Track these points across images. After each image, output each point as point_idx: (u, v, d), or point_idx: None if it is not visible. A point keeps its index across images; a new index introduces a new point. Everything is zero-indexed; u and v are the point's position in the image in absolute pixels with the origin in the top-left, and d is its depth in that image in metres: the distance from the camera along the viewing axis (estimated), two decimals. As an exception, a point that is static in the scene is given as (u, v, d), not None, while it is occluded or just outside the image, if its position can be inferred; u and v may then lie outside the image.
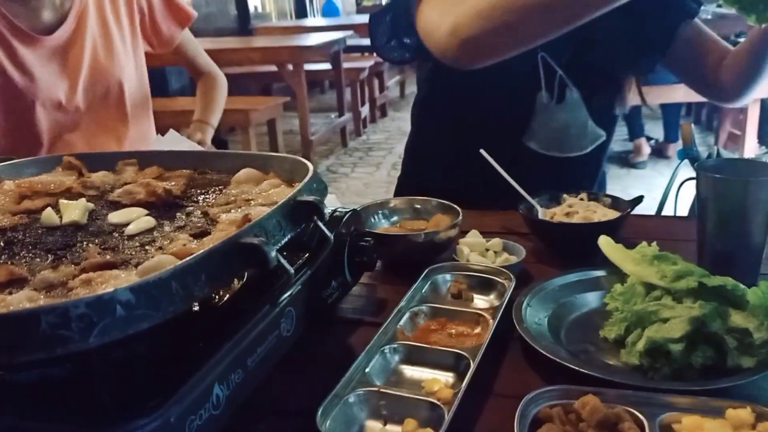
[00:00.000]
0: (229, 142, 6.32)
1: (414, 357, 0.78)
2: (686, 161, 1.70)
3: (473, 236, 1.08)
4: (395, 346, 0.79)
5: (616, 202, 1.13)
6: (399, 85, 8.35)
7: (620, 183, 4.53)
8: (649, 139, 5.15)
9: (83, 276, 0.62)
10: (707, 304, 0.74)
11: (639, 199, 1.10)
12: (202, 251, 0.57)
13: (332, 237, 0.76)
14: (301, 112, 5.34)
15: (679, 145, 4.91)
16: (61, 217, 0.81)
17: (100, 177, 0.95)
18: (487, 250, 1.05)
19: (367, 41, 8.08)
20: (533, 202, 1.14)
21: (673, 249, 0.87)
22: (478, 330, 0.83)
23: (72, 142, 1.55)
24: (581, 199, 1.15)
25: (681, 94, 3.79)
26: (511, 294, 0.88)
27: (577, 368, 0.72)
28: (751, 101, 3.95)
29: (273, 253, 0.61)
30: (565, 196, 1.16)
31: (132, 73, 1.63)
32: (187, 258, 0.56)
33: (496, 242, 1.06)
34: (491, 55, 1.04)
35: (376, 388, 0.71)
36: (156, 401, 0.56)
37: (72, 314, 0.48)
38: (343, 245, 0.89)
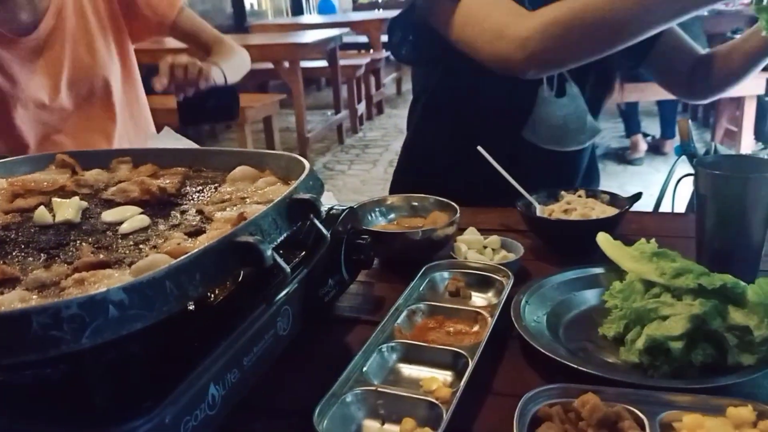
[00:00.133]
0: (224, 139, 6.32)
1: (412, 356, 0.77)
2: (684, 158, 1.70)
3: (471, 234, 1.07)
4: (393, 344, 0.78)
5: (614, 199, 1.12)
6: (395, 83, 8.34)
7: (617, 180, 4.53)
8: (645, 135, 5.15)
9: (76, 275, 0.62)
10: (707, 302, 0.73)
11: (637, 196, 1.09)
12: (196, 250, 0.57)
13: (329, 235, 0.76)
14: (298, 110, 5.33)
15: (675, 141, 4.91)
16: (54, 216, 0.80)
17: (93, 175, 0.94)
18: (485, 247, 1.05)
19: (363, 38, 8.09)
20: (531, 199, 1.13)
21: (671, 246, 0.86)
22: (476, 328, 0.83)
23: (60, 143, 1.54)
24: (579, 196, 1.14)
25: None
26: (510, 292, 0.87)
27: (576, 366, 0.72)
28: (747, 98, 3.96)
29: (269, 252, 0.60)
30: (563, 192, 1.16)
31: (118, 70, 1.61)
32: (182, 257, 0.55)
33: (494, 239, 1.05)
34: (556, 68, 1.14)
35: (373, 387, 0.70)
36: (151, 402, 0.55)
37: (64, 315, 0.47)
38: (339, 243, 0.88)
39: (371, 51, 7.44)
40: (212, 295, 0.70)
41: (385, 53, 7.07)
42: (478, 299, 0.91)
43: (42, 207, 0.82)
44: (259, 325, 0.71)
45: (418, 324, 0.85)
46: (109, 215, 0.80)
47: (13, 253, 0.71)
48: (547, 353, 0.75)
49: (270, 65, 5.41)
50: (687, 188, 1.58)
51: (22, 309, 0.50)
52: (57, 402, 0.56)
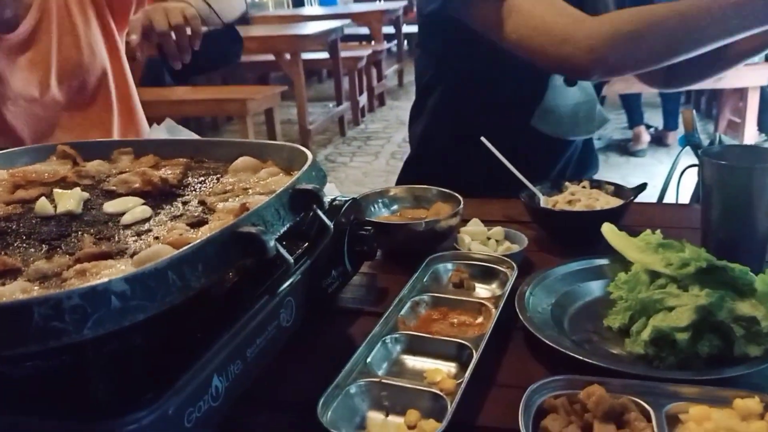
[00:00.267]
0: (226, 131, 6.31)
1: (416, 347, 0.77)
2: (687, 149, 1.69)
3: (474, 225, 1.07)
4: (397, 336, 0.77)
5: (618, 190, 1.11)
6: (397, 74, 8.31)
7: (619, 171, 4.51)
8: (648, 127, 5.14)
9: (78, 266, 0.61)
10: (714, 293, 0.73)
11: (642, 187, 1.08)
12: (199, 241, 0.56)
13: (332, 226, 0.75)
14: (299, 102, 5.32)
15: (678, 133, 4.90)
16: (55, 207, 0.80)
17: (95, 166, 0.94)
18: (489, 238, 1.04)
19: (364, 30, 8.05)
20: (535, 190, 1.12)
21: (676, 237, 0.86)
22: (480, 319, 0.82)
23: (57, 138, 1.52)
24: (583, 187, 1.14)
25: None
26: (514, 283, 0.87)
27: (581, 358, 0.71)
28: (750, 89, 3.94)
29: (272, 243, 0.60)
30: (567, 183, 1.15)
31: (106, 62, 1.58)
32: (184, 248, 0.55)
33: (498, 231, 1.05)
34: (621, 72, 1.18)
35: (377, 379, 0.70)
36: (154, 393, 0.55)
37: (65, 305, 0.47)
38: (342, 234, 0.88)
39: (372, 42, 7.42)
40: (215, 286, 0.70)
41: (386, 45, 7.04)
42: (482, 290, 0.91)
43: (43, 198, 0.81)
44: (263, 317, 0.70)
45: (421, 315, 0.84)
46: (110, 206, 0.80)
47: (15, 244, 0.71)
48: (551, 344, 0.74)
49: (271, 57, 5.39)
50: (691, 179, 1.57)
51: (23, 300, 0.50)
52: (59, 394, 0.56)
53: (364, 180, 4.87)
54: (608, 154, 4.93)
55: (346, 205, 0.88)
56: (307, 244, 0.79)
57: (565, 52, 1.06)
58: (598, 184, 1.14)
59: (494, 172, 1.12)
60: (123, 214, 0.77)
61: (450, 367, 0.74)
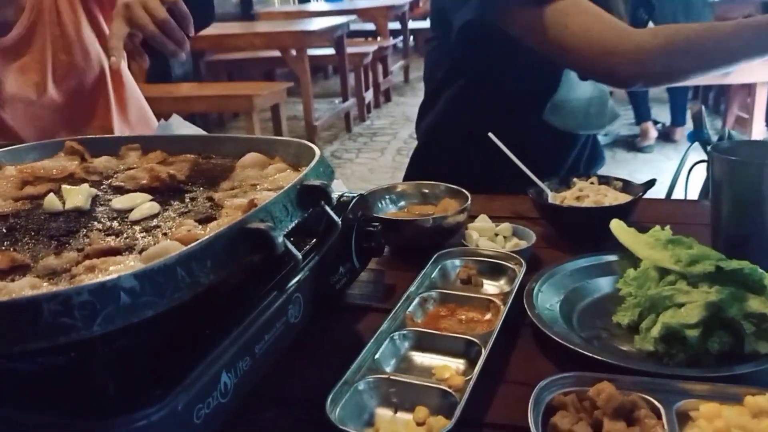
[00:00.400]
0: (232, 127, 6.31)
1: (424, 343, 0.77)
2: (696, 144, 1.68)
3: (482, 221, 1.06)
4: (405, 332, 0.77)
5: (627, 186, 1.11)
6: (403, 70, 8.30)
7: (627, 167, 4.50)
8: (655, 123, 5.12)
9: (87, 262, 0.61)
10: (724, 289, 0.72)
11: (651, 183, 1.08)
12: (207, 237, 0.56)
13: (340, 222, 0.75)
14: (305, 98, 5.32)
15: (685, 129, 4.88)
16: (63, 203, 0.80)
17: (102, 162, 0.94)
18: (497, 234, 1.04)
19: (370, 26, 8.04)
20: (543, 186, 1.12)
21: (685, 233, 0.85)
22: (488, 316, 0.82)
23: (58, 138, 1.52)
24: (592, 183, 1.13)
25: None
26: (522, 279, 0.86)
27: (591, 355, 0.71)
28: (759, 84, 3.92)
29: (280, 239, 0.60)
30: (575, 179, 1.14)
31: (105, 62, 1.57)
32: (193, 244, 0.55)
33: (506, 227, 1.04)
34: (663, 83, 1.25)
35: (386, 376, 0.69)
36: (163, 390, 0.55)
37: (75, 302, 0.46)
38: (350, 230, 0.87)
39: (378, 38, 7.41)
40: (223, 282, 0.70)
41: (392, 41, 7.03)
42: (490, 287, 0.91)
43: (52, 194, 0.81)
44: (271, 313, 0.70)
45: (429, 312, 0.84)
46: (118, 202, 0.80)
47: (24, 240, 0.71)
48: (560, 341, 0.74)
49: (277, 53, 5.40)
50: (699, 175, 1.56)
51: (32, 296, 0.50)
52: (67, 390, 0.56)
53: (370, 176, 4.86)
54: (615, 150, 4.92)
55: (354, 201, 0.88)
56: (315, 240, 0.79)
57: (610, 62, 1.10)
58: (606, 180, 1.13)
59: (503, 168, 1.12)
60: (131, 210, 0.77)
61: (458, 364, 0.74)
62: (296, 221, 0.67)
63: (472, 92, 1.33)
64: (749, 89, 4.07)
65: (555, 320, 0.80)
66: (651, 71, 1.10)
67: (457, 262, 0.94)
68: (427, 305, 0.85)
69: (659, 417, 0.61)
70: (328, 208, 0.72)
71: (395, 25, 8.55)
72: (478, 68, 1.30)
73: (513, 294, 0.83)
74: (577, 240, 1.03)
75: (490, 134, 1.14)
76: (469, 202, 1.05)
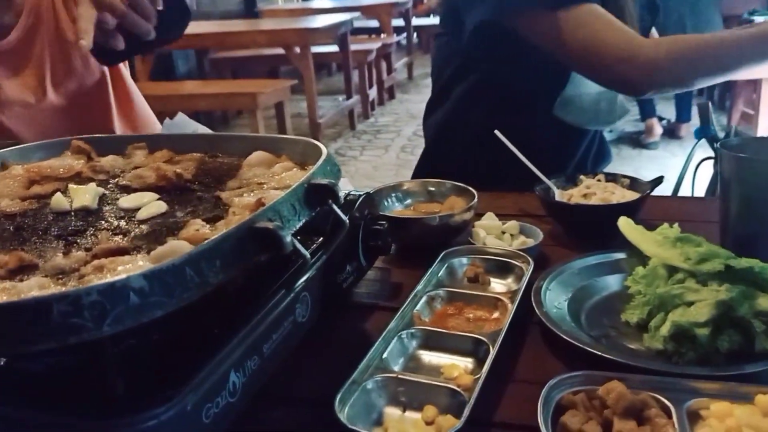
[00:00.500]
0: (236, 125, 6.32)
1: (432, 342, 0.76)
2: (702, 141, 1.68)
3: (489, 219, 1.06)
4: (413, 331, 0.77)
5: (634, 183, 1.10)
6: (407, 67, 8.29)
7: (632, 164, 4.49)
8: (660, 119, 5.10)
9: (95, 262, 0.61)
10: (734, 288, 0.72)
11: (659, 180, 1.07)
12: (216, 236, 0.56)
13: (347, 221, 0.75)
14: (309, 95, 5.31)
15: (691, 125, 4.87)
16: (71, 202, 0.80)
17: (109, 161, 0.94)
18: (504, 232, 1.04)
19: (374, 23, 8.02)
20: (550, 183, 1.11)
21: (693, 230, 0.85)
22: (496, 314, 0.82)
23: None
24: (599, 180, 1.13)
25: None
26: (530, 277, 0.86)
27: (599, 353, 0.71)
28: (764, 80, 3.90)
29: (288, 238, 0.60)
30: (582, 177, 1.14)
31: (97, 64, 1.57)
32: (201, 243, 0.55)
33: (513, 225, 1.04)
34: (674, 90, 1.29)
35: (394, 375, 0.69)
36: (172, 390, 0.55)
37: (84, 302, 0.46)
38: (357, 229, 0.87)
39: (382, 35, 7.40)
40: (232, 282, 0.70)
41: (396, 38, 7.02)
42: (498, 285, 0.90)
43: (59, 193, 0.81)
44: (279, 312, 0.70)
45: (437, 310, 0.84)
46: (126, 201, 0.80)
47: (31, 240, 0.71)
48: (569, 340, 0.74)
49: (281, 51, 5.39)
50: (705, 172, 1.56)
51: (42, 296, 0.50)
52: (77, 390, 0.56)
53: (375, 174, 4.86)
54: (620, 147, 4.90)
55: (360, 199, 0.88)
56: (322, 238, 0.78)
57: (623, 69, 1.12)
58: (613, 178, 1.13)
59: (510, 166, 1.11)
60: (138, 209, 0.77)
61: (467, 363, 0.73)
62: (304, 220, 0.67)
63: (482, 89, 1.33)
64: (755, 85, 4.05)
65: (563, 318, 0.80)
66: (662, 80, 1.13)
67: (464, 260, 0.94)
68: (435, 304, 0.85)
69: (669, 416, 0.60)
70: (335, 207, 0.72)
71: (399, 22, 8.54)
72: (488, 65, 1.30)
73: (521, 292, 0.83)
74: (584, 238, 1.03)
75: (497, 132, 1.13)
76: (475, 200, 1.05)
